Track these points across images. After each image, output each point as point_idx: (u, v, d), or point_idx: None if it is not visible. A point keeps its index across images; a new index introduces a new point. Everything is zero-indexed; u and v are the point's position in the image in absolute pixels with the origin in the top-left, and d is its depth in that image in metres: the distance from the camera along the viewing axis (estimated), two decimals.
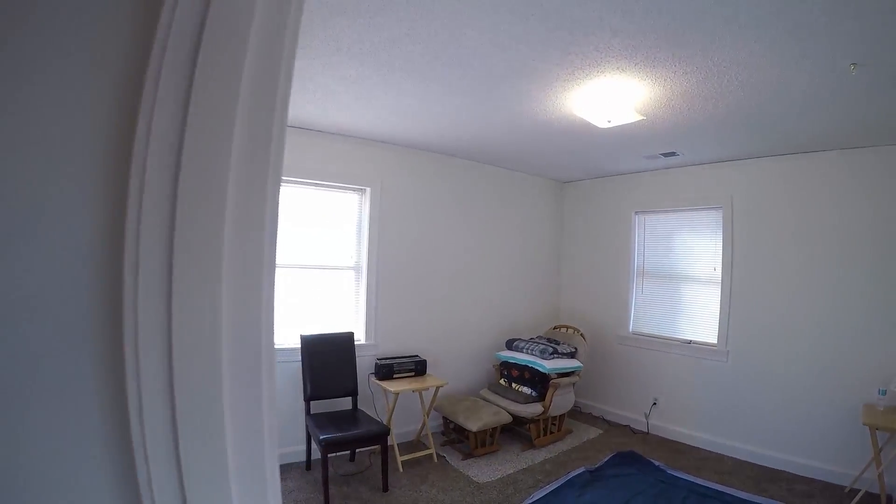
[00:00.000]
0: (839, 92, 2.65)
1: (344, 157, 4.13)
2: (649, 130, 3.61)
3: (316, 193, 4.06)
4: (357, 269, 4.28)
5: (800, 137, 3.70)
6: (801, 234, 4.12)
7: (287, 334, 3.83)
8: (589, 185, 5.67)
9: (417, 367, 4.12)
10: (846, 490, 3.59)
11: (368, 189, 4.27)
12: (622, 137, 3.82)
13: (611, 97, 2.84)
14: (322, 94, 3.03)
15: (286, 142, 0.67)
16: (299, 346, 3.69)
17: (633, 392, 5.05)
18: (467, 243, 4.95)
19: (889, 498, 3.30)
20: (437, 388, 4.06)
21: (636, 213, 5.20)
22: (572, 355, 4.64)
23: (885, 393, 3.51)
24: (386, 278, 4.34)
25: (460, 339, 4.85)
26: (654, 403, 4.87)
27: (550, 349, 4.43)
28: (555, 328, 5.34)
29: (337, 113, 3.46)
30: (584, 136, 3.79)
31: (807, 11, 1.84)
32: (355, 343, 3.96)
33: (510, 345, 4.81)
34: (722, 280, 4.49)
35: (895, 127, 3.29)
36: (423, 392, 4.08)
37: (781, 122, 3.32)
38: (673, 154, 4.36)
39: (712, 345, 4.54)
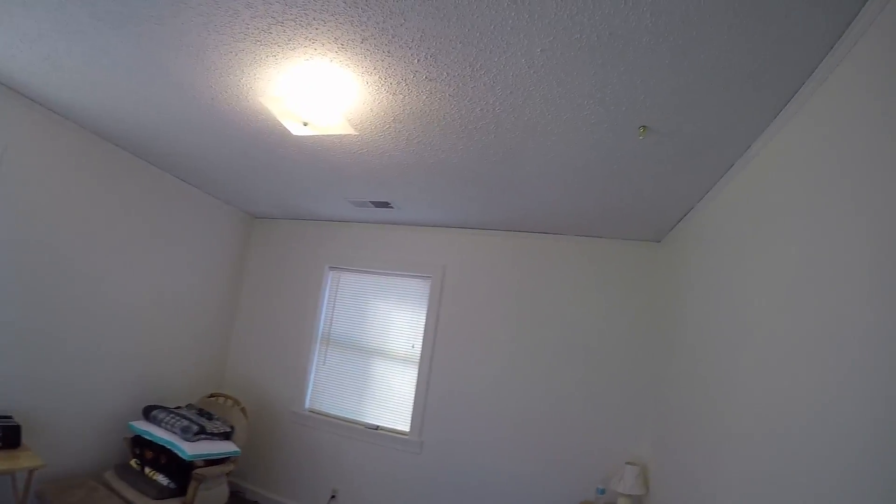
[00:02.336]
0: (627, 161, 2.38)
1: None
2: (362, 165, 2.92)
3: None
4: None
5: (544, 215, 3.41)
6: (518, 318, 3.89)
7: None
8: (283, 225, 4.70)
9: (6, 436, 2.69)
10: None
11: None
12: (326, 165, 3.01)
13: (315, 89, 1.97)
14: None
15: None
16: None
17: (309, 480, 4.12)
18: (103, 252, 3.40)
19: None
20: (32, 470, 2.63)
21: (330, 268, 4.44)
22: (227, 436, 3.51)
23: (603, 492, 3.44)
24: None
25: (79, 395, 3.33)
26: (333, 496, 4.01)
27: (197, 427, 3.26)
28: (212, 396, 4.06)
29: None
30: (277, 148, 2.83)
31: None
32: None
33: (149, 413, 3.46)
34: (420, 359, 4.01)
35: (632, 220, 3.28)
36: (15, 473, 2.63)
37: (536, 193, 2.98)
38: (386, 205, 3.75)
39: (403, 433, 3.96)
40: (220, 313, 4.48)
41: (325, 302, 4.44)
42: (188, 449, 3.14)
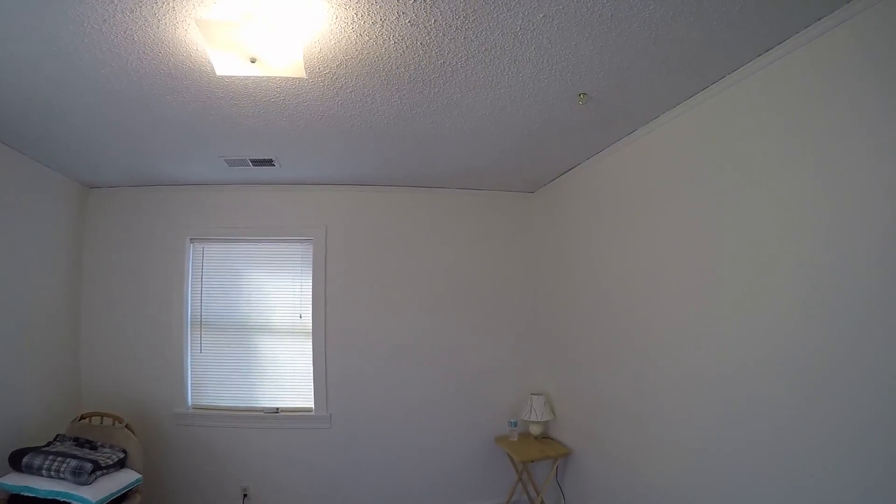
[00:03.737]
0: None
1: None
2: (265, 117, 2.49)
3: None
4: None
5: (444, 169, 3.48)
6: (409, 274, 3.92)
7: None
8: (127, 195, 3.76)
9: None
10: None
11: None
12: (221, 116, 2.49)
13: (274, 17, 1.56)
14: None
15: None
16: None
17: (215, 486, 3.62)
18: None
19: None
20: None
21: (192, 239, 3.77)
22: (122, 463, 2.89)
23: (516, 424, 3.75)
24: None
25: None
26: (245, 495, 3.63)
27: (90, 464, 2.59)
28: (84, 418, 3.23)
29: None
30: (167, 96, 2.23)
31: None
32: None
33: (19, 462, 2.61)
34: (314, 329, 3.73)
35: (516, 174, 3.62)
36: None
37: (453, 148, 3.02)
38: (268, 163, 3.27)
39: (308, 410, 3.72)
40: (59, 312, 3.43)
41: (191, 280, 3.77)
42: (90, 495, 2.50)
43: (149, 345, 3.67)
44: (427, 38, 1.79)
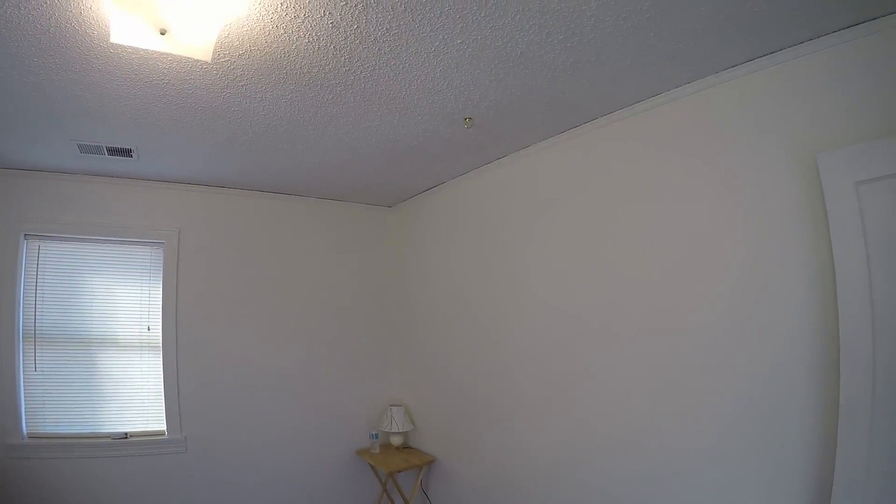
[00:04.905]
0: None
1: None
2: (139, 99, 2.27)
3: None
4: None
5: (310, 177, 3.47)
6: (267, 284, 3.79)
7: None
8: None
9: None
10: None
11: None
12: (91, 94, 2.21)
13: None
14: None
15: None
16: None
17: None
18: None
19: None
20: None
21: (27, 235, 3.23)
22: None
23: (377, 436, 3.79)
24: None
25: None
26: None
27: None
28: None
29: None
30: (32, 59, 1.93)
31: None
32: None
33: None
34: (164, 343, 3.41)
35: (380, 189, 3.83)
36: None
37: (328, 156, 3.04)
38: (126, 153, 2.95)
39: (160, 433, 3.36)
40: None
41: (23, 283, 3.20)
42: None
43: None
44: (343, 42, 1.87)
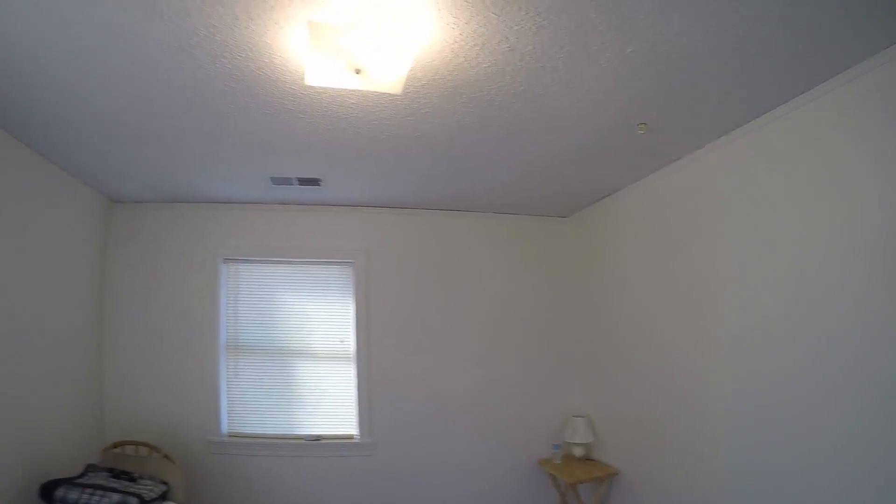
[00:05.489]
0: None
1: None
2: (330, 133, 2.45)
3: None
4: None
5: (484, 193, 3.53)
6: (449, 298, 3.91)
7: None
8: (154, 211, 3.64)
9: None
10: None
11: None
12: (286, 130, 2.43)
13: (385, 24, 1.53)
14: None
15: None
16: None
17: None
18: None
19: None
20: None
21: (226, 260, 3.67)
22: (164, 496, 2.74)
23: (559, 447, 3.72)
24: None
25: None
26: None
27: (135, 498, 2.46)
28: (116, 446, 3.12)
29: None
30: (230, 105, 2.15)
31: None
32: None
33: (51, 495, 2.41)
34: (357, 354, 3.67)
35: (553, 199, 3.72)
36: None
37: (506, 172, 3.08)
38: (314, 182, 3.23)
39: (350, 437, 3.62)
40: (80, 331, 3.23)
41: (224, 302, 3.68)
42: None
43: (179, 369, 3.54)
44: (519, 63, 1.86)
